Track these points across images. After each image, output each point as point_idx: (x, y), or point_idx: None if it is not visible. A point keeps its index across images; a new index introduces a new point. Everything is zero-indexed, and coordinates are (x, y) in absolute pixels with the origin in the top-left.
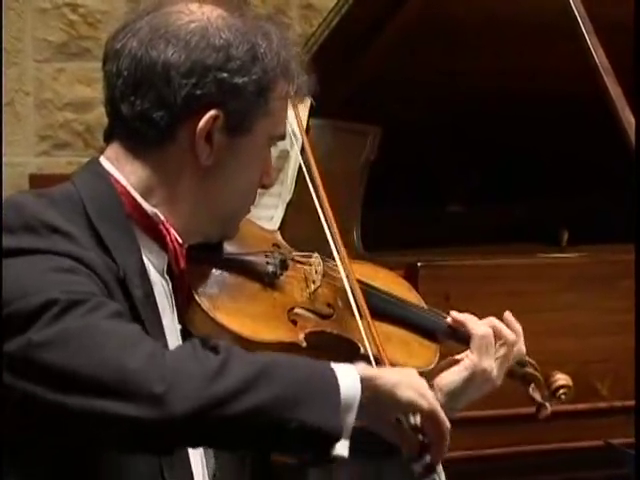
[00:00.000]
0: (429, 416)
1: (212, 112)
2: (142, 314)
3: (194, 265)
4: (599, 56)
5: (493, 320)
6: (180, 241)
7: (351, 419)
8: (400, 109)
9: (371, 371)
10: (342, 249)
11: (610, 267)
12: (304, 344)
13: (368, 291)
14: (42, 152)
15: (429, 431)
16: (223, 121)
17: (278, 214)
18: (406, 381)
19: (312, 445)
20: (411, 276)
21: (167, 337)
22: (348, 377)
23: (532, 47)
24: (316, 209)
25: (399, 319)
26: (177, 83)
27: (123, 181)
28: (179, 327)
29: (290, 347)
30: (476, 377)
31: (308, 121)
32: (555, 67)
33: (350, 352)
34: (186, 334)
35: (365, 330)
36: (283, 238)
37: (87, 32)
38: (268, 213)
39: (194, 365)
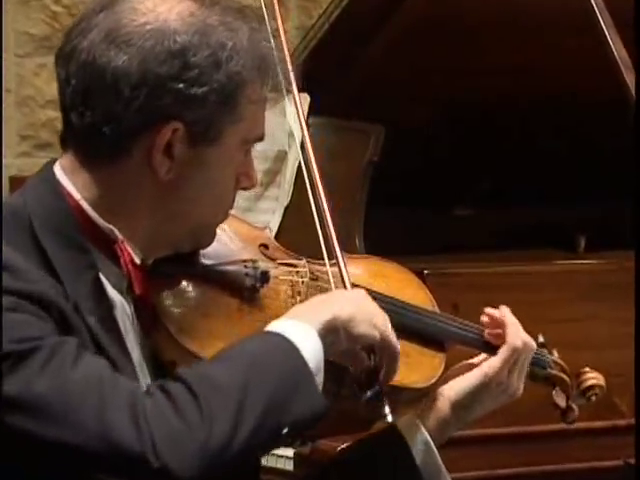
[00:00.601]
0: (381, 344)
1: (169, 125)
2: (101, 340)
3: (162, 279)
4: (618, 50)
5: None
6: (137, 262)
7: (320, 379)
8: (405, 107)
9: (323, 313)
10: (338, 252)
11: (630, 275)
12: None
13: None
14: (23, 153)
15: (380, 354)
16: (184, 133)
17: (275, 219)
18: (358, 314)
19: (306, 428)
20: None
21: (134, 361)
22: (308, 343)
23: (546, 43)
24: (316, 213)
25: (398, 326)
26: (127, 95)
27: (76, 195)
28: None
29: None
30: (492, 387)
31: (306, 119)
32: (571, 64)
33: (344, 371)
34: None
35: None
36: (280, 243)
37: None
38: (264, 218)
39: (179, 422)
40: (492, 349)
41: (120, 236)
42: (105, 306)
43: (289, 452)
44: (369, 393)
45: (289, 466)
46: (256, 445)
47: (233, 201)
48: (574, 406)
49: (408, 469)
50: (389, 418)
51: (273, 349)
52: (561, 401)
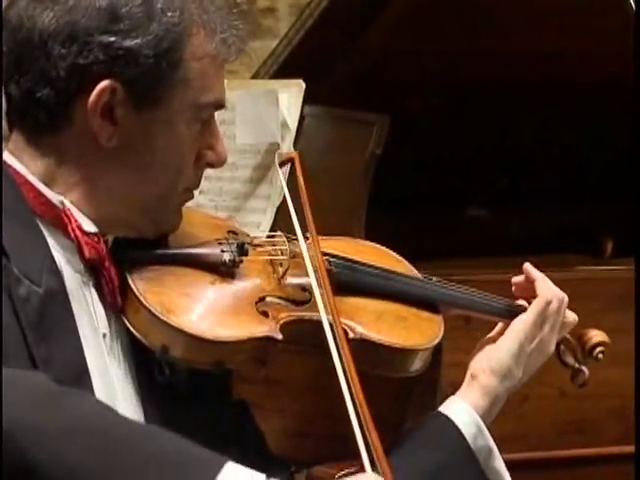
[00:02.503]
0: None
1: (103, 84)
2: (47, 312)
3: (137, 265)
4: None
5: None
6: (86, 229)
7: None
8: (412, 95)
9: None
10: (312, 225)
11: None
12: (280, 336)
13: (348, 265)
14: None
15: None
16: (123, 93)
17: (267, 220)
18: None
19: None
20: None
21: (82, 340)
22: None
23: (569, 24)
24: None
25: (391, 292)
26: (57, 54)
27: (22, 170)
28: (105, 330)
29: (265, 343)
30: (527, 344)
31: (302, 108)
32: (600, 49)
33: None
34: (136, 341)
35: (330, 308)
36: None
37: None
38: (255, 218)
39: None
40: (489, 310)
41: (70, 205)
42: (57, 281)
43: None
44: None
45: None
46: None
47: (197, 179)
48: (584, 368)
49: (463, 452)
50: None
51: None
52: (570, 360)
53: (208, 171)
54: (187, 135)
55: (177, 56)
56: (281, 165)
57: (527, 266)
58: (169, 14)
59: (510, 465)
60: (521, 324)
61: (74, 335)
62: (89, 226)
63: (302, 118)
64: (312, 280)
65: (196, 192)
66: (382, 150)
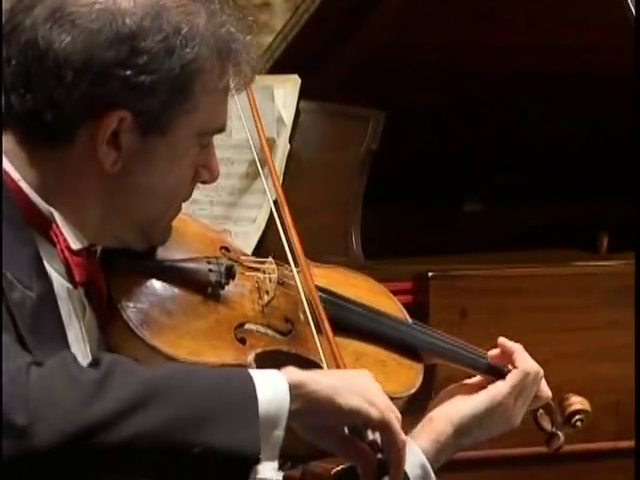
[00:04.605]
0: (380, 427)
1: (115, 114)
2: (37, 318)
3: (121, 276)
4: None
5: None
6: (74, 248)
7: (277, 436)
8: (407, 89)
9: (305, 376)
10: (301, 254)
11: None
12: (253, 366)
13: (334, 301)
14: None
15: (386, 446)
16: (132, 122)
17: (262, 215)
18: (348, 386)
19: (226, 471)
20: (421, 288)
21: (74, 349)
22: (270, 386)
23: (569, 17)
24: (304, 208)
25: (373, 334)
26: (70, 81)
27: (15, 175)
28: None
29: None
30: (497, 413)
31: (298, 104)
32: (599, 43)
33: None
34: (110, 351)
35: (324, 348)
36: (268, 243)
37: None
38: (250, 214)
39: (64, 385)
40: (472, 364)
41: (60, 219)
42: (45, 286)
43: (279, 476)
44: None
45: None
46: (145, 450)
47: (189, 195)
48: (559, 433)
49: None
50: None
51: (226, 370)
52: (547, 424)
53: None
54: (187, 159)
55: (189, 90)
56: None
57: (502, 340)
58: (187, 50)
59: (504, 460)
60: (496, 390)
61: (63, 341)
62: (77, 243)
63: (298, 113)
64: (303, 301)
65: None
66: (378, 145)
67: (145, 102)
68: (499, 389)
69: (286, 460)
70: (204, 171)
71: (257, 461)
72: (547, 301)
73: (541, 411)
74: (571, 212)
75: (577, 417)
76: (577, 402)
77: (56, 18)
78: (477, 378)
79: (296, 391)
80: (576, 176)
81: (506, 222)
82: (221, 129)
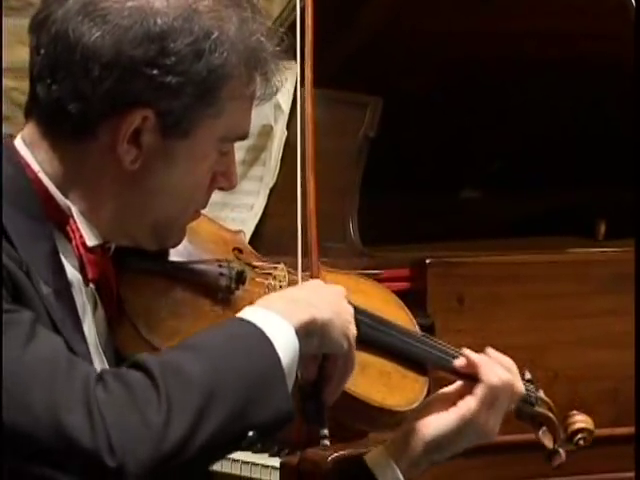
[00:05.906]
0: (345, 356)
1: (138, 112)
2: (55, 313)
3: (131, 275)
4: None
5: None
6: (89, 244)
7: (293, 377)
8: (404, 76)
9: (303, 313)
10: (315, 256)
11: None
12: None
13: None
14: None
15: (332, 367)
16: (155, 122)
17: (259, 202)
18: (336, 320)
19: (271, 432)
20: (418, 275)
21: (89, 342)
22: (284, 339)
23: (571, 3)
24: (303, 196)
25: (380, 345)
26: (96, 75)
27: (35, 167)
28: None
29: None
30: (469, 429)
31: (295, 91)
32: (599, 29)
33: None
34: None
35: None
36: (265, 230)
37: None
38: (248, 200)
39: (136, 418)
40: (473, 379)
41: (77, 214)
42: (62, 280)
43: (275, 462)
44: (309, 406)
45: (275, 477)
46: (216, 447)
47: (206, 201)
48: (561, 450)
49: None
50: (326, 442)
51: (246, 341)
52: (548, 442)
53: None
54: (206, 164)
55: (215, 95)
56: None
57: (467, 353)
58: (216, 55)
59: (504, 447)
60: (465, 408)
61: (80, 334)
62: (92, 239)
63: (295, 100)
64: None
65: None
66: (376, 132)
67: (169, 103)
68: (468, 406)
69: (284, 446)
70: (222, 178)
71: (291, 418)
72: (544, 288)
73: (544, 428)
74: (569, 199)
75: (580, 436)
76: (581, 421)
77: (88, 12)
78: (455, 384)
79: (301, 332)
80: (574, 163)
81: (504, 209)
82: (243, 137)
